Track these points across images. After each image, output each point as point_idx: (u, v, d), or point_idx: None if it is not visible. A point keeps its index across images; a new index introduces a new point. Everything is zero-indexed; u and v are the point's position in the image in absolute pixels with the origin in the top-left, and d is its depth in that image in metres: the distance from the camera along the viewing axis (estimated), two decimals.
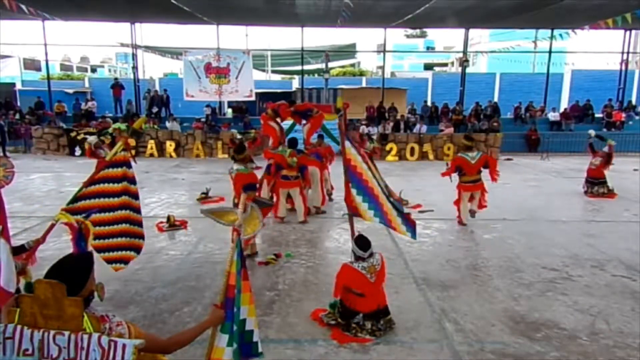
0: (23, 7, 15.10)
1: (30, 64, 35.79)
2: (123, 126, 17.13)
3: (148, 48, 23.02)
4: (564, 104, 24.01)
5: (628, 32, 21.21)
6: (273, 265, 5.58)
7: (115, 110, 20.96)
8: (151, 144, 16.22)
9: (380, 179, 4.55)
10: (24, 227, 6.89)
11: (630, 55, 23.00)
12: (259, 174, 8.59)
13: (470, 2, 15.16)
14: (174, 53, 23.27)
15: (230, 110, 22.66)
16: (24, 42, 48.72)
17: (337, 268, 4.57)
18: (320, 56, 22.31)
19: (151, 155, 16.09)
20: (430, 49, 51.16)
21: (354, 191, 4.41)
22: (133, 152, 15.64)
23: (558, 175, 12.93)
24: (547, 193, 10.29)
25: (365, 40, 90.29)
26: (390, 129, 17.49)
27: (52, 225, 3.64)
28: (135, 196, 4.19)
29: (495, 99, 23.44)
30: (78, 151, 15.49)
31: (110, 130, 11.12)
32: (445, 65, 48.07)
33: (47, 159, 15.14)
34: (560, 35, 18.19)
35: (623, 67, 21.64)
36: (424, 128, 17.68)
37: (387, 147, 16.11)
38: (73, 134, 16.07)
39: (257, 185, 6.73)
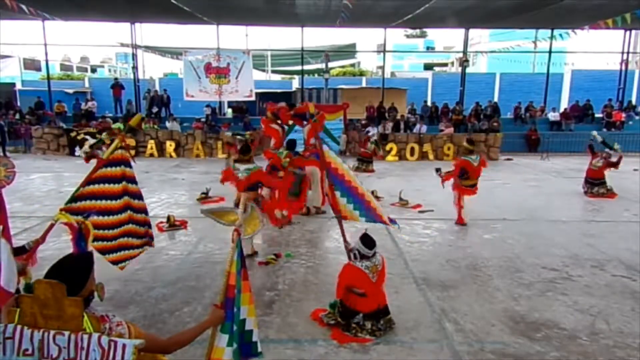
0: (23, 7, 15.10)
1: (30, 64, 35.80)
2: (123, 126, 17.17)
3: (148, 48, 23.03)
4: (564, 104, 24.02)
5: (628, 32, 21.21)
6: (273, 265, 5.58)
7: (115, 111, 20.97)
8: (151, 144, 16.23)
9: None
10: (24, 227, 6.89)
11: (630, 55, 23.00)
12: None
13: (470, 2, 15.16)
14: (174, 53, 23.27)
15: (230, 110, 22.66)
16: (24, 42, 48.84)
17: (337, 268, 4.57)
18: (320, 56, 22.32)
19: (151, 155, 16.10)
20: (430, 49, 51.18)
21: (337, 193, 4.44)
22: (133, 152, 15.69)
23: (558, 175, 12.93)
24: (547, 193, 10.29)
25: (365, 40, 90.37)
26: (390, 129, 17.49)
27: (52, 225, 3.64)
28: (137, 196, 4.13)
29: (495, 99, 23.45)
30: (78, 151, 15.49)
31: (103, 136, 11.07)
32: (445, 65, 48.08)
33: (47, 159, 15.14)
34: (561, 35, 18.18)
35: (623, 67, 21.65)
36: (424, 128, 17.69)
37: (387, 147, 16.12)
38: (73, 134, 16.06)
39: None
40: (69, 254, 2.11)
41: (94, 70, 48.02)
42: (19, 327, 1.78)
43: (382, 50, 22.80)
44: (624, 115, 19.88)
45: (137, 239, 4.25)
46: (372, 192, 9.36)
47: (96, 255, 2.75)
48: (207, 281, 5.05)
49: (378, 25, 20.45)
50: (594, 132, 11.05)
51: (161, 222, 7.24)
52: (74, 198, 3.77)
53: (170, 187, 10.56)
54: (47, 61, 21.12)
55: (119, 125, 17.09)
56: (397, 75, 35.09)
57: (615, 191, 9.84)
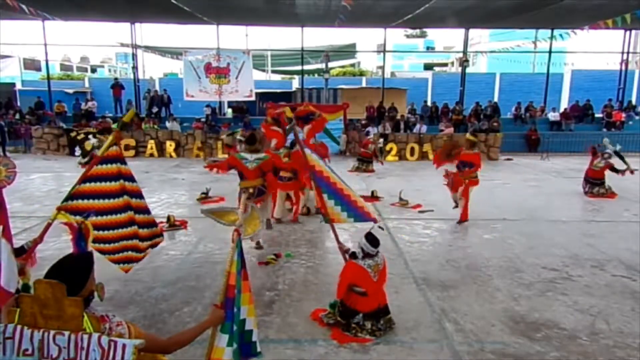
0: (23, 7, 15.11)
1: (30, 64, 35.78)
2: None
3: (148, 48, 23.02)
4: (564, 104, 24.02)
5: (628, 32, 21.21)
6: (273, 265, 5.58)
7: (115, 110, 20.96)
8: (151, 144, 16.23)
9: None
10: (24, 227, 6.89)
11: (630, 55, 23.00)
12: None
13: (470, 2, 15.16)
14: (174, 53, 23.26)
15: (230, 110, 22.66)
16: (24, 42, 48.82)
17: (337, 268, 4.57)
18: (320, 56, 22.32)
19: (151, 155, 16.10)
20: (430, 49, 51.18)
21: (325, 196, 4.46)
22: (132, 152, 15.79)
23: (558, 175, 12.93)
24: (547, 193, 10.29)
25: (365, 40, 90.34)
26: (390, 129, 17.50)
27: (49, 225, 3.64)
28: (137, 194, 4.02)
29: (495, 99, 23.45)
30: (78, 151, 15.49)
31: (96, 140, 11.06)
32: (445, 65, 48.07)
33: (47, 159, 15.14)
34: (561, 35, 18.18)
35: (623, 67, 21.65)
36: (424, 128, 17.70)
37: (387, 147, 16.12)
38: (73, 134, 16.06)
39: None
40: (69, 254, 2.11)
41: (94, 70, 48.01)
42: (19, 327, 1.78)
43: (382, 50, 22.80)
44: (624, 115, 19.88)
45: (142, 242, 4.15)
46: (372, 192, 9.44)
47: (96, 255, 2.75)
48: (207, 281, 5.05)
49: (378, 25, 20.45)
50: (606, 140, 10.71)
51: (161, 222, 7.21)
52: (71, 196, 3.74)
53: (170, 187, 10.56)
54: (47, 61, 21.12)
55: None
56: (397, 75, 35.09)
57: (615, 191, 9.84)
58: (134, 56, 21.78)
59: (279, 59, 25.96)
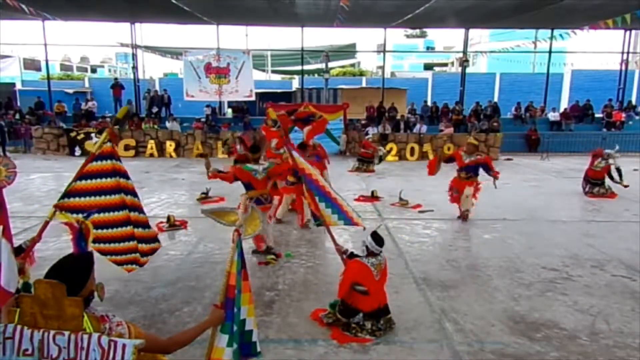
0: (24, 6, 15.11)
1: (30, 64, 35.76)
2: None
3: (148, 48, 23.02)
4: (564, 104, 24.03)
5: (628, 32, 21.21)
6: (273, 265, 5.58)
7: (115, 110, 20.93)
8: (151, 144, 16.23)
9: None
10: (24, 227, 6.89)
11: (630, 55, 23.00)
12: None
13: (470, 2, 15.16)
14: (174, 53, 23.26)
15: (230, 110, 22.67)
16: (24, 42, 48.79)
17: (337, 268, 4.58)
18: (320, 56, 22.32)
19: (151, 155, 16.10)
20: (430, 49, 51.17)
21: (316, 198, 4.48)
22: (132, 152, 15.78)
23: (558, 175, 12.93)
24: (547, 193, 10.30)
25: (365, 40, 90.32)
26: (389, 129, 17.50)
27: (47, 223, 3.65)
28: (131, 192, 3.91)
29: (495, 99, 23.46)
30: (78, 151, 15.51)
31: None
32: (445, 65, 48.06)
33: (47, 159, 15.14)
34: (561, 35, 18.20)
35: (623, 67, 21.65)
36: (424, 128, 17.70)
37: (387, 147, 16.13)
38: (73, 134, 16.07)
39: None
40: (69, 254, 2.11)
41: (94, 70, 47.99)
42: (19, 327, 1.78)
43: (382, 50, 22.81)
44: (624, 115, 19.89)
45: (140, 244, 4.07)
46: (372, 192, 9.44)
47: (96, 255, 2.75)
48: (207, 281, 5.05)
49: (378, 25, 20.45)
50: (616, 153, 10.10)
51: (161, 222, 7.24)
52: (67, 194, 3.71)
53: (170, 187, 10.56)
54: (47, 61, 21.12)
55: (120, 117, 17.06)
56: (397, 75, 35.08)
57: (615, 191, 9.84)
58: (134, 56, 21.78)
59: (279, 59, 25.96)
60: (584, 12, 16.21)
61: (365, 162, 13.28)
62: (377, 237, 3.97)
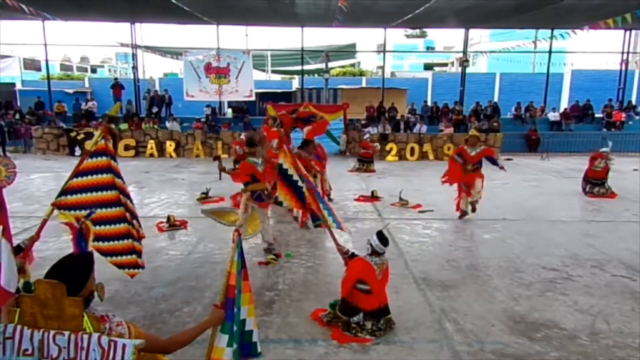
0: (24, 6, 15.11)
1: (31, 64, 35.75)
2: (124, 126, 17.19)
3: (148, 48, 23.02)
4: (564, 104, 24.03)
5: (628, 32, 21.21)
6: (273, 265, 5.57)
7: (119, 110, 20.94)
8: (151, 144, 16.23)
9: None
10: (24, 227, 6.89)
11: (630, 55, 23.00)
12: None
13: (470, 2, 15.16)
14: (174, 53, 23.26)
15: (230, 110, 22.67)
16: (24, 42, 48.82)
17: (337, 268, 4.58)
18: (320, 56, 22.33)
19: (151, 155, 16.10)
20: (430, 49, 51.17)
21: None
22: (133, 152, 15.79)
23: (558, 175, 12.93)
24: (547, 193, 10.30)
25: (365, 40, 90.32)
26: (389, 129, 17.51)
27: (45, 222, 3.65)
28: (124, 192, 3.88)
29: (495, 99, 23.46)
30: (78, 151, 15.50)
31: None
32: (445, 65, 48.06)
33: (47, 159, 15.14)
34: (561, 35, 18.20)
35: (623, 67, 21.65)
36: (424, 128, 17.70)
37: (387, 147, 16.14)
38: (73, 134, 16.08)
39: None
40: (69, 254, 2.11)
41: (94, 71, 47.99)
42: (19, 327, 1.78)
43: (382, 50, 22.81)
44: (624, 115, 19.89)
45: (135, 242, 4.00)
46: (372, 192, 9.45)
47: (96, 255, 2.75)
48: (207, 281, 5.05)
49: (378, 25, 20.45)
50: (609, 146, 10.42)
51: (161, 222, 7.25)
52: (64, 192, 3.71)
53: (170, 187, 10.56)
54: (47, 61, 21.13)
55: (119, 125, 17.12)
56: (397, 75, 35.09)
57: (616, 191, 9.84)
58: (134, 56, 21.77)
59: (279, 59, 25.96)
60: (584, 12, 16.21)
61: (365, 162, 13.28)
62: (382, 237, 3.99)
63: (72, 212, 3.72)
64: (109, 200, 3.76)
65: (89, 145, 3.81)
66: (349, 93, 21.76)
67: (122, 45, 23.61)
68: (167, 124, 17.98)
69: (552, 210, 8.67)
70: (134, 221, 3.95)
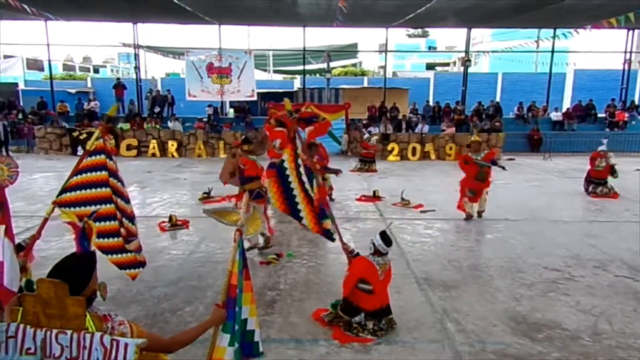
0: (26, 7, 15.15)
1: (33, 64, 35.82)
2: (126, 126, 17.22)
3: (150, 48, 23.04)
4: (567, 104, 23.98)
5: (631, 32, 21.16)
6: (274, 265, 5.58)
7: (117, 110, 21.00)
8: (153, 143, 16.26)
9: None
10: (26, 226, 6.90)
11: (633, 54, 22.94)
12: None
13: (472, 2, 15.14)
14: (176, 53, 23.29)
15: (232, 110, 22.69)
16: (27, 42, 49.00)
17: (339, 268, 4.58)
18: (321, 56, 22.31)
19: (153, 155, 16.13)
20: (432, 48, 51.08)
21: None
22: (135, 152, 15.83)
23: (560, 175, 12.90)
24: (549, 193, 10.28)
25: (367, 40, 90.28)
26: (391, 129, 17.49)
27: (46, 220, 3.69)
28: (116, 191, 3.91)
29: (498, 99, 23.42)
30: (80, 151, 15.52)
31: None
32: (447, 65, 48.00)
33: (50, 159, 15.19)
34: (564, 34, 18.15)
35: (626, 67, 21.59)
36: (426, 128, 17.68)
37: (389, 147, 16.13)
38: (75, 134, 16.12)
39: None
40: (71, 253, 2.12)
41: (96, 71, 48.06)
42: (21, 325, 1.79)
43: (384, 50, 22.79)
44: (626, 115, 19.84)
45: (129, 243, 4.05)
46: (374, 192, 9.44)
47: (99, 254, 2.76)
48: (208, 281, 5.05)
49: (379, 25, 20.45)
50: (604, 144, 10.41)
51: (163, 222, 7.26)
52: (64, 190, 3.79)
53: (172, 187, 10.58)
54: (49, 61, 21.21)
55: (121, 125, 17.15)
56: (398, 75, 35.07)
57: (618, 191, 9.82)
58: (136, 56, 21.80)
59: (280, 59, 25.97)
60: (587, 12, 16.18)
61: (367, 162, 13.28)
62: (385, 237, 3.98)
63: (72, 209, 3.79)
64: (103, 197, 3.84)
65: (89, 145, 3.86)
66: (350, 93, 21.74)
67: (125, 45, 23.65)
68: (169, 124, 18.00)
69: (554, 210, 8.66)
70: (124, 220, 3.99)
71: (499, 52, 28.36)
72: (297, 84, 27.10)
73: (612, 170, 9.92)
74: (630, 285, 5.09)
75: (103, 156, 3.84)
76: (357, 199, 9.28)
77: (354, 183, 11.06)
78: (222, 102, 21.28)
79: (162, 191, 10.02)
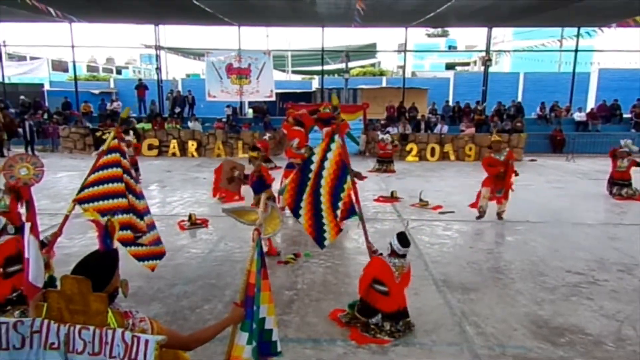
0: (51, 10, 15.54)
1: (58, 66, 36.70)
2: (147, 126, 17.51)
3: (171, 49, 23.39)
4: (591, 104, 23.41)
5: None
6: (292, 264, 5.60)
7: (139, 111, 21.36)
8: (173, 143, 16.51)
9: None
10: (51, 224, 7.07)
11: None
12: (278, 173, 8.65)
13: (493, 0, 14.91)
14: (196, 54, 23.56)
15: (250, 111, 22.85)
16: (52, 44, 50.21)
17: (356, 268, 4.56)
18: (340, 56, 22.29)
19: (173, 154, 16.38)
20: (452, 48, 50.43)
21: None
22: (156, 151, 16.10)
23: (584, 176, 12.61)
24: (572, 195, 10.06)
25: (386, 39, 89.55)
26: (410, 129, 17.37)
27: (66, 217, 3.82)
28: (129, 187, 4.15)
29: (519, 99, 23.01)
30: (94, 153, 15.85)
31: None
32: (468, 64, 47.36)
33: (74, 158, 15.55)
34: (588, 33, 17.74)
35: None
36: (445, 128, 17.50)
37: (408, 148, 16.02)
38: (98, 134, 16.42)
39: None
40: (95, 250, 2.17)
41: (119, 72, 48.94)
42: (46, 321, 1.83)
43: (403, 49, 22.64)
44: None
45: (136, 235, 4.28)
46: (392, 193, 9.39)
47: (121, 252, 2.81)
48: (227, 279, 5.10)
49: (399, 25, 20.31)
50: (628, 141, 10.21)
51: (183, 221, 7.36)
52: (83, 187, 4.00)
53: (191, 186, 10.71)
54: (74, 62, 21.70)
55: (142, 125, 17.45)
56: (418, 75, 34.78)
57: None
58: (158, 57, 22.13)
59: (299, 59, 26.04)
60: (612, 10, 15.76)
61: (385, 163, 13.22)
62: (402, 238, 3.94)
63: (91, 204, 3.97)
64: (118, 192, 4.06)
65: (105, 145, 4.09)
66: (369, 93, 21.66)
67: (146, 46, 24.05)
68: (189, 124, 18.24)
69: (577, 212, 8.47)
70: (133, 216, 4.17)
71: (520, 52, 27.88)
72: (315, 84, 27.12)
73: (638, 164, 9.64)
74: None
75: (117, 154, 4.09)
76: (375, 200, 9.24)
77: (371, 184, 11.01)
78: (241, 103, 21.45)
79: (182, 190, 10.16)
